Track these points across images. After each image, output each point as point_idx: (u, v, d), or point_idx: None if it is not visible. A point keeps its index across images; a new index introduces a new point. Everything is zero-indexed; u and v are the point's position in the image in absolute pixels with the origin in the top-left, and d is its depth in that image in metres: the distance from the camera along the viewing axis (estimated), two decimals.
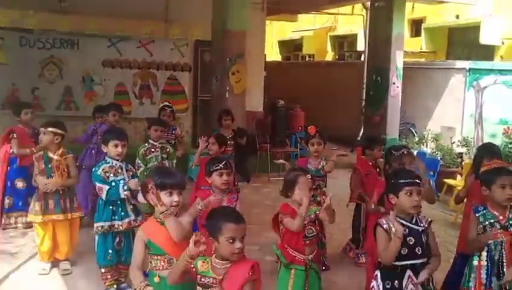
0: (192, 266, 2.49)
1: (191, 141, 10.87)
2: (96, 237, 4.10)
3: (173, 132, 6.32)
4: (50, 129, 4.44)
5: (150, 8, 9.74)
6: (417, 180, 3.06)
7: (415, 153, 9.29)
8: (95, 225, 4.09)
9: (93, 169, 4.13)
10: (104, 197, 4.00)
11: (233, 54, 8.38)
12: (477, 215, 3.40)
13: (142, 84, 10.32)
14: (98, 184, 4.03)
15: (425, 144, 9.81)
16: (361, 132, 11.40)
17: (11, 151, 5.52)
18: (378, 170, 5.12)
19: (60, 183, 4.42)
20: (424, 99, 11.25)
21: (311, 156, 4.91)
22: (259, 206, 6.94)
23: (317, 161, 4.88)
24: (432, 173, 8.22)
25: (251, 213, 6.20)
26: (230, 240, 2.41)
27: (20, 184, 5.56)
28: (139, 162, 5.26)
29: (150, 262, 2.81)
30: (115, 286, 4.13)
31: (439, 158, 8.61)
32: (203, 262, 2.51)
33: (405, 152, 4.02)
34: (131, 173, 4.18)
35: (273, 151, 9.17)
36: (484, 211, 3.39)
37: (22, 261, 4.82)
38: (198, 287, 2.53)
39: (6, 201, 5.59)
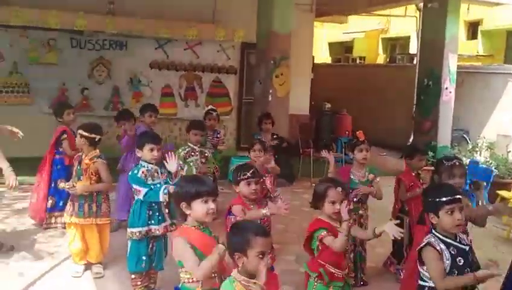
0: None
1: (235, 143, 10.85)
2: (130, 243, 4.04)
3: (217, 135, 6.24)
4: (79, 131, 4.47)
5: (198, 10, 9.78)
6: (458, 196, 2.81)
7: (467, 162, 8.85)
8: (130, 230, 4.01)
9: (131, 172, 4.07)
10: (142, 197, 3.92)
11: (277, 56, 8.25)
12: None
13: (187, 86, 10.35)
14: (135, 186, 3.97)
15: (478, 152, 9.29)
16: (411, 138, 10.98)
17: (59, 151, 5.61)
18: (420, 181, 4.84)
19: (86, 188, 4.40)
20: (480, 106, 10.72)
21: (355, 165, 4.64)
22: (298, 213, 6.76)
23: (363, 171, 4.59)
24: (484, 184, 7.77)
25: (289, 220, 6.05)
26: (261, 255, 2.31)
27: (62, 184, 5.62)
28: (181, 163, 5.24)
29: (187, 274, 2.67)
30: None
31: (493, 168, 8.12)
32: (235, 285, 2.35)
33: (456, 163, 3.73)
34: (165, 175, 4.12)
35: (316, 156, 8.94)
36: None
37: (58, 261, 4.86)
38: None
39: (50, 201, 5.67)
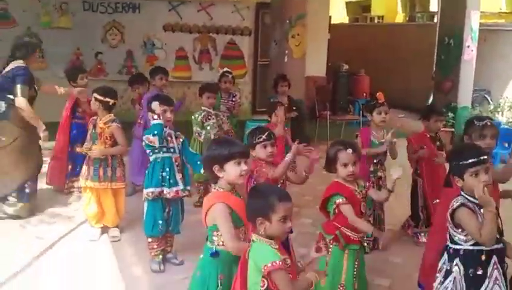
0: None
1: (250, 107, 10.72)
2: (146, 205, 4.02)
3: (233, 98, 6.13)
4: (94, 95, 4.42)
5: None
6: (483, 157, 2.68)
7: None
8: (145, 191, 4.01)
9: (145, 132, 4.02)
10: (157, 144, 3.87)
11: (293, 15, 8.02)
12: None
13: (201, 48, 10.21)
14: (149, 137, 3.89)
15: (500, 113, 9.05)
16: (431, 98, 10.72)
17: (76, 116, 5.61)
18: (438, 143, 4.70)
19: (102, 151, 4.38)
20: (502, 64, 10.38)
21: (373, 127, 4.52)
22: (314, 176, 6.67)
23: (381, 133, 4.50)
24: (506, 145, 7.60)
25: (305, 183, 5.99)
26: (283, 220, 2.27)
27: (78, 149, 5.61)
28: (199, 129, 5.19)
29: (218, 238, 2.64)
30: (161, 256, 4.07)
31: None
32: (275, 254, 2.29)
33: (488, 123, 3.59)
34: (180, 139, 4.06)
35: (333, 119, 8.81)
36: None
37: (75, 225, 4.90)
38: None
39: (69, 166, 5.68)
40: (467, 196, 2.72)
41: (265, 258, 2.23)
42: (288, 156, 3.44)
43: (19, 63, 4.95)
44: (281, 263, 2.22)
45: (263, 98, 9.30)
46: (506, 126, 8.10)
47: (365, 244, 4.15)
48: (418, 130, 5.79)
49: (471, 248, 2.70)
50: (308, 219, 5.25)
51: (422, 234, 4.78)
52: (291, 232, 3.52)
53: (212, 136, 5.09)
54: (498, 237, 2.68)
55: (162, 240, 4.08)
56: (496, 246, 2.66)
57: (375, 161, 4.49)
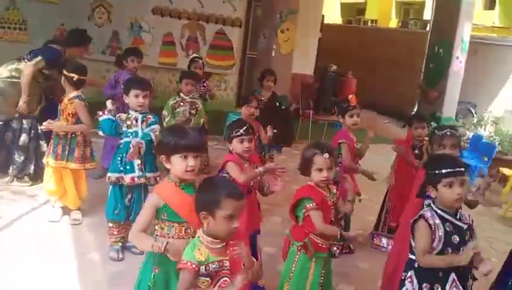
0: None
1: (235, 99, 10.58)
2: (109, 189, 3.92)
3: (204, 84, 5.99)
4: (63, 71, 4.26)
5: None
6: (459, 169, 2.58)
7: (470, 135, 8.62)
8: (107, 174, 3.92)
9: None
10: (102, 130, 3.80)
11: (284, 10, 7.89)
12: None
13: (189, 36, 10.00)
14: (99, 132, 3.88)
15: (483, 126, 9.03)
16: (416, 107, 10.68)
17: None
18: (417, 151, 4.63)
19: (62, 126, 4.24)
20: (490, 79, 10.37)
21: (346, 129, 4.39)
22: (291, 175, 6.56)
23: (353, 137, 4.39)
24: (486, 159, 7.58)
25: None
26: (229, 218, 2.11)
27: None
28: (165, 113, 5.06)
29: (160, 229, 2.53)
30: (120, 244, 3.93)
31: (496, 144, 7.90)
32: (199, 250, 2.16)
33: (448, 133, 3.43)
34: (146, 123, 3.89)
35: (316, 118, 8.71)
36: None
37: (38, 204, 4.73)
38: (203, 278, 2.16)
39: None
40: (436, 208, 2.62)
41: (184, 254, 2.15)
42: (259, 170, 3.27)
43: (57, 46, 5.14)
44: (192, 265, 2.10)
45: (249, 90, 9.14)
46: (487, 140, 8.06)
47: (334, 248, 4.05)
48: (400, 137, 5.75)
49: None
50: (279, 218, 5.14)
51: (380, 237, 4.80)
52: (258, 232, 3.43)
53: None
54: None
55: (122, 228, 3.93)
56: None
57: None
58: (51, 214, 4.45)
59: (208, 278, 2.14)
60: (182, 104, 5.06)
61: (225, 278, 2.15)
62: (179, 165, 2.48)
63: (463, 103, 10.39)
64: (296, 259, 3.01)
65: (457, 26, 9.04)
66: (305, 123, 8.97)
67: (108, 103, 3.78)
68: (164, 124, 5.00)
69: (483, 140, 8.08)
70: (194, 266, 2.10)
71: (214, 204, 2.11)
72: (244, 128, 3.27)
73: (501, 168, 7.28)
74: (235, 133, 3.26)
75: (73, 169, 4.32)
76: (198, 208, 2.18)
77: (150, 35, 9.77)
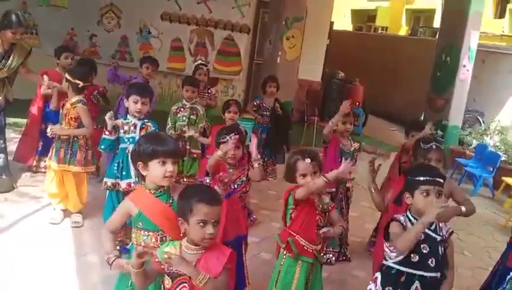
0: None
1: (242, 105, 10.63)
2: (107, 194, 4.00)
3: (208, 91, 6.06)
4: (65, 75, 4.36)
5: None
6: (438, 179, 2.60)
7: (475, 144, 8.59)
8: (104, 179, 3.99)
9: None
10: (100, 146, 3.89)
11: (290, 17, 7.95)
12: None
13: (198, 41, 10.11)
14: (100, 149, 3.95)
15: (489, 136, 8.99)
16: (423, 115, 10.66)
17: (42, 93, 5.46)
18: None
19: (64, 130, 4.32)
20: (498, 87, 10.33)
21: (338, 135, 4.44)
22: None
23: (348, 142, 4.46)
24: (491, 169, 7.55)
25: (283, 187, 5.93)
26: (201, 224, 2.15)
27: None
28: (168, 122, 5.13)
29: (136, 237, 2.56)
30: (118, 247, 3.99)
31: (501, 153, 7.86)
32: (171, 247, 2.24)
33: (433, 147, 3.42)
34: (145, 130, 3.93)
35: (321, 125, 8.72)
36: None
37: (40, 206, 4.82)
38: (166, 277, 2.25)
39: (40, 144, 5.61)
40: (410, 216, 2.64)
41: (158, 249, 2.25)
42: (217, 154, 3.25)
43: None
44: (156, 259, 2.18)
45: (255, 97, 9.22)
46: (492, 150, 8.02)
47: (330, 255, 4.07)
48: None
49: (391, 265, 2.63)
50: (278, 224, 5.16)
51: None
52: (243, 238, 3.44)
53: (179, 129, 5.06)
54: (433, 265, 2.56)
55: (120, 231, 3.98)
56: (421, 272, 2.56)
57: None
58: (51, 216, 4.53)
59: (170, 279, 2.21)
60: (182, 110, 5.11)
61: (184, 285, 2.18)
62: (157, 170, 2.50)
63: (471, 111, 10.35)
64: (282, 262, 3.05)
65: (465, 35, 9.00)
66: (310, 130, 9.01)
67: (108, 120, 3.80)
68: (166, 130, 5.06)
69: (488, 149, 8.05)
70: (157, 260, 2.19)
71: (187, 210, 2.17)
72: (232, 134, 3.32)
73: (505, 178, 7.25)
74: (222, 139, 3.31)
75: (76, 172, 4.40)
76: (177, 215, 2.25)
77: (159, 41, 9.88)
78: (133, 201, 2.56)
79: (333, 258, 4.50)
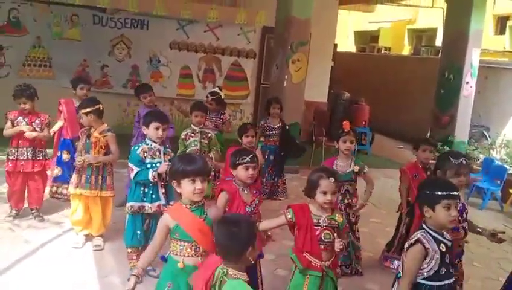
0: None
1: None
2: (127, 217, 4.16)
3: (221, 116, 6.27)
4: (82, 112, 4.54)
5: None
6: (456, 193, 2.76)
7: (482, 158, 8.71)
8: (127, 204, 4.14)
9: (133, 148, 4.14)
10: (132, 177, 4.03)
11: (295, 41, 8.20)
12: None
13: (206, 68, 10.42)
14: (130, 164, 4.06)
15: (495, 150, 9.12)
16: (429, 132, 10.81)
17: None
18: (428, 173, 4.78)
19: (96, 158, 4.51)
20: (501, 102, 10.49)
21: (340, 156, 4.55)
22: (306, 199, 6.75)
23: (347, 162, 4.52)
24: (498, 182, 7.66)
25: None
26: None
27: (64, 156, 5.76)
28: (179, 146, 5.29)
29: (174, 247, 2.80)
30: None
31: (508, 166, 7.98)
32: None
33: (464, 162, 3.57)
34: (169, 157, 4.16)
35: (328, 145, 8.92)
36: None
37: (62, 231, 5.01)
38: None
39: (56, 171, 5.83)
40: (429, 229, 2.76)
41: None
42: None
43: None
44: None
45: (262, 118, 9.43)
46: (499, 163, 8.15)
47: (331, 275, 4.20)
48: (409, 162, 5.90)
49: (421, 281, 2.74)
50: (291, 242, 5.30)
51: (391, 259, 4.92)
52: (261, 256, 3.61)
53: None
54: (451, 271, 2.72)
55: (141, 252, 4.16)
56: (446, 281, 2.71)
57: (341, 192, 4.50)
58: (74, 240, 4.72)
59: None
60: (192, 135, 5.25)
61: None
62: (188, 187, 2.77)
63: (476, 126, 10.51)
64: (292, 275, 3.22)
65: (466, 52, 9.24)
66: (318, 150, 9.20)
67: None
68: (177, 153, 5.23)
69: (495, 163, 8.17)
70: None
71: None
72: (250, 156, 3.48)
73: None
74: (242, 160, 3.44)
75: (105, 197, 4.63)
76: (226, 249, 2.42)
77: (168, 69, 10.19)
78: (170, 214, 2.83)
79: (347, 270, 4.63)
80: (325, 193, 3.13)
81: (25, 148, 5.05)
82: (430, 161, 4.92)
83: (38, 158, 5.12)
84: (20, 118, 5.04)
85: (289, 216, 3.19)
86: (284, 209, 3.28)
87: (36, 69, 9.45)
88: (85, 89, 5.89)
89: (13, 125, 5.04)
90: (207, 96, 6.41)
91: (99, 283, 4.07)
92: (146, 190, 4.10)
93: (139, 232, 4.12)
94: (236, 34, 10.43)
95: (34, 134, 5.04)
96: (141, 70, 10.03)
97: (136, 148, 4.10)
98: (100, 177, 4.56)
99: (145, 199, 4.10)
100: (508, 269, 4.96)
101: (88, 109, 4.51)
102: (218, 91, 6.54)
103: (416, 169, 4.85)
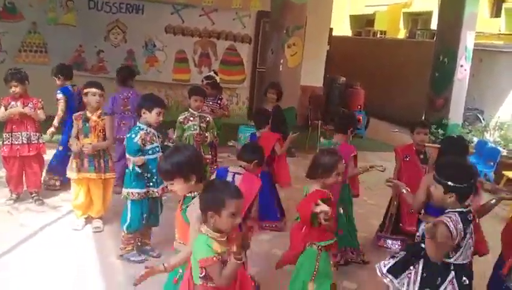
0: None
1: (247, 112, 10.92)
2: (129, 204, 4.15)
3: (218, 101, 6.32)
4: (98, 92, 4.58)
5: None
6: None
7: (475, 141, 8.82)
8: (129, 191, 4.13)
9: (129, 136, 4.13)
10: (130, 167, 4.09)
11: (290, 26, 8.22)
12: None
13: (201, 52, 10.42)
14: (128, 155, 4.12)
15: (489, 132, 9.22)
16: (424, 115, 10.89)
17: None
18: (422, 156, 4.86)
19: (94, 147, 4.56)
20: (496, 85, 10.56)
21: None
22: (302, 182, 6.82)
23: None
24: (491, 164, 7.77)
25: (293, 189, 6.17)
26: (232, 215, 2.40)
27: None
28: (176, 130, 5.33)
29: None
30: (134, 251, 4.28)
31: (501, 148, 8.08)
32: (214, 245, 2.43)
33: None
34: (160, 140, 4.26)
35: (324, 128, 9.00)
36: None
37: (61, 215, 5.09)
38: None
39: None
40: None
41: (201, 253, 2.39)
42: None
43: None
44: (214, 258, 2.36)
45: (260, 103, 9.47)
46: (492, 145, 8.25)
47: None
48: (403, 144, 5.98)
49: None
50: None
51: (384, 239, 5.06)
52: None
53: (191, 138, 5.24)
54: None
55: (139, 234, 4.28)
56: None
57: None
58: (74, 223, 4.81)
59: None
60: (191, 119, 5.29)
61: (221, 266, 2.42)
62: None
63: (471, 109, 10.59)
64: (317, 258, 3.32)
65: (461, 35, 9.27)
66: (314, 133, 9.27)
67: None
68: (174, 137, 5.29)
69: (489, 145, 8.27)
70: (216, 258, 2.38)
71: (219, 204, 2.39)
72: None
73: (505, 172, 7.47)
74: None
75: (107, 179, 4.74)
76: (205, 208, 2.44)
77: (164, 53, 10.19)
78: None
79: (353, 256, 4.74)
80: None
81: (19, 133, 5.09)
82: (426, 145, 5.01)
83: (33, 142, 5.15)
84: (13, 102, 5.06)
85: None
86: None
87: (32, 54, 9.46)
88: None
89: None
90: (202, 81, 6.45)
91: (100, 263, 4.17)
92: (149, 175, 4.15)
93: (145, 215, 4.18)
94: (232, 18, 10.41)
95: (26, 110, 5.06)
96: (137, 55, 10.04)
97: (133, 136, 4.08)
98: (102, 160, 4.65)
99: (149, 184, 4.16)
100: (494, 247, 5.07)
101: (101, 90, 4.60)
102: (214, 75, 6.59)
103: (409, 151, 4.94)
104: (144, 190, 4.14)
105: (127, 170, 4.23)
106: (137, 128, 4.16)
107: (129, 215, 4.15)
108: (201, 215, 2.46)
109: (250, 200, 3.36)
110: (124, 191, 4.18)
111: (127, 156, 4.14)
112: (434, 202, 3.07)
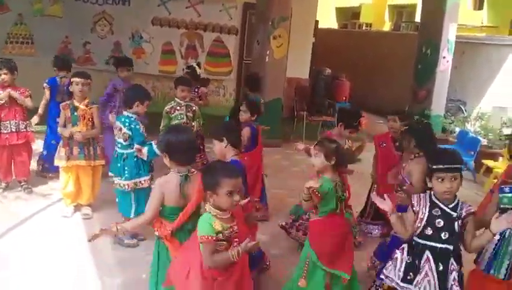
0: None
1: (234, 103, 11.01)
2: (132, 195, 4.28)
3: (196, 90, 6.36)
4: (83, 81, 4.67)
5: None
6: (454, 166, 2.88)
7: (457, 131, 9.02)
8: (139, 180, 4.26)
9: (134, 126, 4.21)
10: (145, 158, 4.13)
11: (276, 17, 8.32)
12: (501, 195, 2.89)
13: (188, 44, 10.47)
14: (138, 146, 4.14)
15: (470, 122, 9.43)
16: (407, 106, 11.07)
17: None
18: (397, 144, 5.01)
19: (84, 135, 4.67)
20: (477, 77, 10.76)
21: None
22: (288, 173, 6.98)
23: (342, 141, 4.62)
24: (472, 153, 7.97)
25: (279, 179, 6.30)
26: (229, 193, 2.59)
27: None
28: (162, 120, 5.44)
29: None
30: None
31: (480, 138, 8.29)
32: (215, 223, 2.62)
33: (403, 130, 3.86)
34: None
35: (310, 119, 9.15)
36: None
37: (51, 202, 5.17)
38: (220, 242, 2.63)
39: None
40: (432, 196, 2.98)
41: (202, 229, 2.61)
42: None
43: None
44: (209, 237, 2.56)
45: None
46: (472, 135, 8.45)
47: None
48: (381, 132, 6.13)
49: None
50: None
51: (364, 224, 5.28)
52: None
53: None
54: (445, 238, 2.88)
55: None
56: (432, 243, 2.92)
57: None
58: (63, 211, 4.90)
59: (225, 242, 2.64)
60: (178, 108, 5.40)
61: (235, 239, 2.67)
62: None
63: (453, 101, 10.78)
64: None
65: (443, 27, 9.44)
66: (299, 124, 9.42)
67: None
68: (161, 127, 5.40)
69: (469, 135, 8.48)
70: (211, 237, 2.58)
71: (215, 184, 2.60)
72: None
73: (484, 161, 7.68)
74: None
75: (96, 166, 4.84)
76: (204, 189, 2.68)
77: (150, 45, 10.23)
78: None
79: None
80: None
81: (7, 122, 5.16)
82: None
83: (21, 130, 5.23)
84: (1, 91, 5.13)
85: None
86: None
87: (18, 46, 9.46)
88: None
89: None
90: (183, 70, 6.52)
91: (90, 249, 4.25)
92: (141, 165, 4.27)
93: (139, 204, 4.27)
94: (218, 10, 10.46)
95: (15, 94, 5.13)
96: (123, 47, 10.06)
97: (138, 127, 4.22)
98: (92, 148, 4.75)
99: (140, 173, 4.26)
100: None
101: (89, 80, 4.71)
102: (195, 66, 6.65)
103: (385, 138, 5.12)
104: (134, 180, 4.26)
105: (129, 161, 4.26)
106: (132, 119, 4.24)
107: (134, 204, 4.29)
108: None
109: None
110: (130, 182, 4.23)
111: (136, 146, 4.15)
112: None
